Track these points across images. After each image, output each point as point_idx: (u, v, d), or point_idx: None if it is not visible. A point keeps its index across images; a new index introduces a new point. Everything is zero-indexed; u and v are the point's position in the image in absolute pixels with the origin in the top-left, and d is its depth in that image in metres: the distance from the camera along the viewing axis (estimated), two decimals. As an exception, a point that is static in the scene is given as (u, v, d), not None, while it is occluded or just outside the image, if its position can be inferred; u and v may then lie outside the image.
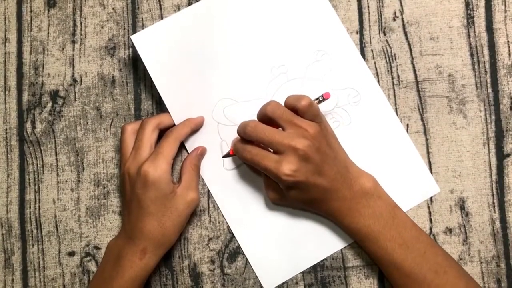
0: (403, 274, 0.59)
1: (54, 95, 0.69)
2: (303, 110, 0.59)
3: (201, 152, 0.66)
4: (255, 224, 0.65)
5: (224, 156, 0.65)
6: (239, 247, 0.66)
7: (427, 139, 0.66)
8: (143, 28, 0.68)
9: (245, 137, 0.61)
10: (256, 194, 0.66)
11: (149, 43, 0.66)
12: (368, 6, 0.67)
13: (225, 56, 0.66)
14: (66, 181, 0.68)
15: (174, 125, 0.66)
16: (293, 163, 0.57)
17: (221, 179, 0.66)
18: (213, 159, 0.66)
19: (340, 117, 0.65)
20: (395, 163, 0.65)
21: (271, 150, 0.60)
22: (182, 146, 0.66)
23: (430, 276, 0.59)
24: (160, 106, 0.68)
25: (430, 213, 0.65)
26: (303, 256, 0.65)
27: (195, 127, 0.66)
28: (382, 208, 0.61)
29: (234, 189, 0.66)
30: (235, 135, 0.65)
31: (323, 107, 0.64)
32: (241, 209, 0.66)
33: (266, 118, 0.60)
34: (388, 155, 0.65)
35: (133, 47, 0.68)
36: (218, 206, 0.66)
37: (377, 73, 0.66)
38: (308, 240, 0.65)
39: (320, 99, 0.61)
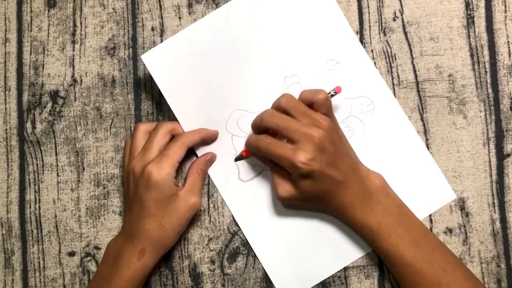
0: (414, 272, 0.59)
1: (54, 95, 0.69)
2: (319, 104, 0.60)
3: (210, 158, 0.65)
4: (273, 235, 0.65)
5: (236, 159, 0.65)
6: (239, 247, 0.66)
7: (427, 139, 0.66)
8: (143, 28, 0.68)
9: (261, 124, 0.61)
10: (273, 205, 0.65)
11: (159, 61, 0.65)
12: (368, 6, 0.67)
13: (236, 67, 0.66)
14: (66, 181, 0.68)
15: None
16: (309, 151, 0.57)
17: (237, 191, 0.66)
18: (228, 171, 0.66)
19: (355, 126, 0.65)
20: (411, 171, 0.64)
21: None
22: (194, 154, 0.66)
23: (440, 273, 0.59)
24: (160, 106, 0.68)
25: (430, 213, 0.65)
26: (321, 266, 0.65)
27: (206, 137, 0.65)
28: (391, 206, 0.61)
29: (250, 201, 0.66)
30: None
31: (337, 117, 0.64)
32: (258, 221, 0.65)
33: (280, 110, 0.60)
34: (404, 163, 0.64)
35: (133, 47, 0.68)
36: (218, 207, 0.66)
37: (377, 73, 0.66)
38: (325, 250, 0.64)
39: (332, 94, 0.62)
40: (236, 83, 0.66)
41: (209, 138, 0.66)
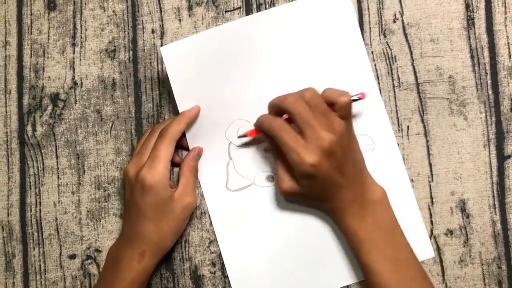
0: None
1: (55, 98, 0.69)
2: (341, 106, 0.58)
3: (197, 153, 0.65)
4: (248, 252, 0.65)
5: (239, 136, 0.65)
6: (240, 249, 0.66)
7: (427, 141, 0.66)
8: (143, 31, 0.68)
9: (283, 105, 0.59)
10: (254, 222, 0.65)
11: (176, 56, 0.65)
12: (368, 8, 0.67)
13: (250, 78, 0.65)
14: (67, 184, 0.68)
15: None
16: (317, 154, 0.57)
17: (221, 199, 0.66)
18: (217, 176, 0.66)
19: None
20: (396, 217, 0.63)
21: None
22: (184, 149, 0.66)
23: None
24: (160, 109, 0.68)
25: (431, 215, 0.65)
26: None
27: (190, 121, 0.65)
28: (384, 221, 0.60)
29: (232, 212, 0.65)
30: (245, 157, 0.65)
31: None
32: (236, 234, 0.65)
33: None
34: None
35: (134, 49, 0.68)
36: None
37: (377, 75, 0.66)
38: (299, 278, 0.64)
39: (355, 98, 0.61)
40: (246, 93, 0.65)
41: (192, 120, 0.65)
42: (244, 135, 0.64)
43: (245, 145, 0.65)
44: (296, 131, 0.59)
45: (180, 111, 0.65)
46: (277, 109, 0.61)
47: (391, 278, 0.58)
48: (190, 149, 0.66)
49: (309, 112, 0.58)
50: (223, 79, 0.65)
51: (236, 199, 0.65)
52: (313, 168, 0.57)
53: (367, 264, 0.59)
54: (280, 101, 0.60)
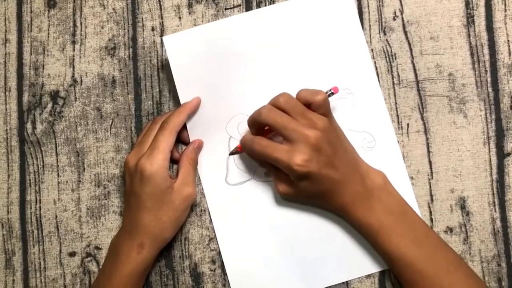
0: (415, 271, 0.59)
1: (55, 95, 0.69)
2: (318, 105, 0.59)
3: (198, 146, 0.65)
4: (246, 247, 0.65)
5: (231, 153, 0.65)
6: (239, 247, 0.66)
7: (427, 139, 0.66)
8: (143, 29, 0.68)
9: (259, 119, 0.60)
10: (253, 217, 0.65)
11: (179, 47, 0.65)
12: (368, 6, 0.67)
13: (251, 73, 0.65)
14: (67, 181, 0.68)
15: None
16: (305, 153, 0.57)
17: (220, 193, 0.66)
18: (217, 171, 0.66)
19: None
20: None
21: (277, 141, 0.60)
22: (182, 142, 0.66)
23: (441, 273, 0.58)
24: (160, 106, 0.68)
25: (430, 212, 0.65)
26: None
27: (191, 112, 0.65)
28: (393, 204, 0.61)
29: (231, 206, 0.65)
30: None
31: None
32: (235, 229, 0.65)
33: (278, 108, 0.60)
34: None
35: (133, 47, 0.68)
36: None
37: (377, 72, 0.66)
38: (297, 273, 0.64)
39: (329, 94, 0.61)
40: (247, 87, 0.65)
41: (193, 111, 0.65)
42: (236, 151, 0.65)
43: None
44: (280, 139, 0.60)
45: (181, 102, 0.65)
46: (255, 124, 0.61)
47: (416, 257, 0.59)
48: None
49: (285, 117, 0.59)
50: (225, 73, 0.65)
51: (236, 193, 0.65)
52: (304, 167, 0.57)
53: (389, 251, 0.60)
54: (255, 116, 0.61)
